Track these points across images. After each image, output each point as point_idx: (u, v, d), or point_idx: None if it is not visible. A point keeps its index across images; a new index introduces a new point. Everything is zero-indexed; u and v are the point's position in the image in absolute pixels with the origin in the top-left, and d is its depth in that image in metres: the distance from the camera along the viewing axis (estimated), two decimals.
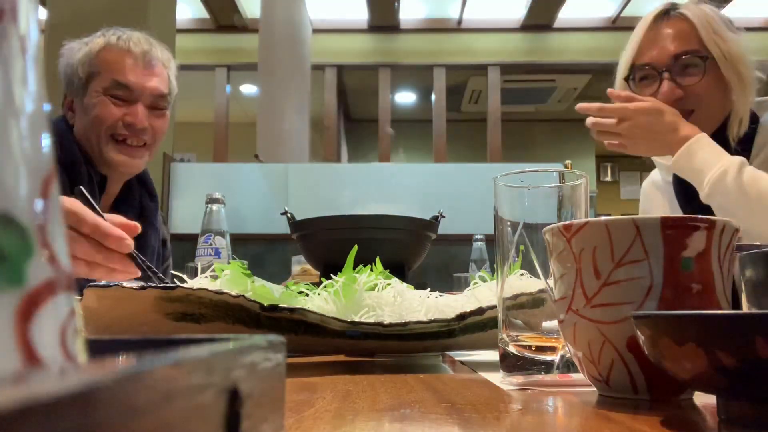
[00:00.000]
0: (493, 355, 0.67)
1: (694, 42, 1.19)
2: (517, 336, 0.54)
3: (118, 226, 0.94)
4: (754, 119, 1.21)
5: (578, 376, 0.49)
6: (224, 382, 0.18)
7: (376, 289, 0.70)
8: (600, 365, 0.43)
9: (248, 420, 0.19)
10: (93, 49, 1.34)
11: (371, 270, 0.72)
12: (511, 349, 0.54)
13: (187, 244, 1.53)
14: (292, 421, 0.35)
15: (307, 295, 0.71)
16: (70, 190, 1.00)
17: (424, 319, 0.65)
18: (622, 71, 1.28)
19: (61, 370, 0.14)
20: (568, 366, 0.52)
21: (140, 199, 1.43)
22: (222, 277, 0.70)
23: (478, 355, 0.79)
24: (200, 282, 0.70)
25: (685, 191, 1.24)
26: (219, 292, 0.60)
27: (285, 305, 0.61)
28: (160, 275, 0.97)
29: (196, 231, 1.31)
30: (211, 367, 0.17)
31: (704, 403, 0.42)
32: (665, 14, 1.22)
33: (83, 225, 0.89)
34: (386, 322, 0.64)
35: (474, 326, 0.66)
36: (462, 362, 0.73)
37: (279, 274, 2.17)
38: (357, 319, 0.65)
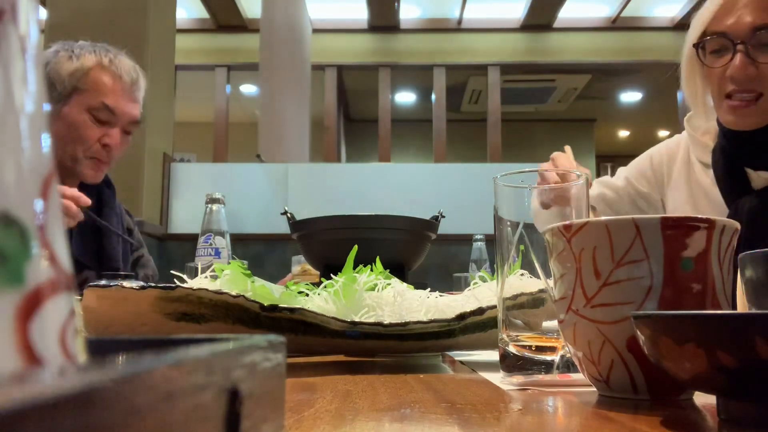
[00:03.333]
0: (493, 355, 0.67)
1: None
2: (517, 336, 0.54)
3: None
4: None
5: (578, 376, 0.49)
6: (224, 382, 0.18)
7: (376, 289, 0.70)
8: (600, 365, 0.43)
9: (248, 420, 0.19)
10: (85, 65, 1.40)
11: (371, 270, 0.72)
12: (511, 349, 0.54)
13: (187, 244, 1.53)
14: (292, 421, 0.35)
15: (307, 295, 0.71)
16: None
17: (424, 319, 0.65)
18: (692, 36, 1.13)
19: (61, 370, 0.14)
20: (568, 366, 0.52)
21: (98, 189, 1.52)
22: (222, 277, 0.70)
23: (478, 355, 0.79)
24: (200, 282, 0.70)
25: (733, 187, 1.12)
26: (219, 292, 0.60)
27: (285, 305, 0.61)
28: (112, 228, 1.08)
29: (196, 231, 1.31)
30: (211, 367, 0.17)
31: (704, 403, 0.42)
32: None
33: None
34: (386, 322, 0.64)
35: (474, 326, 0.66)
36: (462, 362, 0.73)
37: (279, 274, 2.17)
38: (357, 319, 0.65)
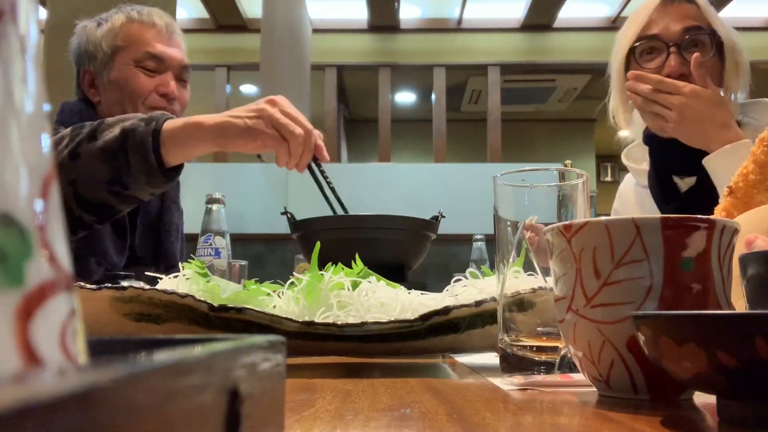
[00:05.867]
0: (493, 356, 0.67)
1: (702, 22, 1.19)
2: (517, 337, 0.54)
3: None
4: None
5: (578, 376, 0.49)
6: (224, 382, 0.18)
7: (356, 289, 0.66)
8: (600, 365, 0.43)
9: (248, 420, 0.19)
10: (116, 24, 1.37)
11: (350, 268, 0.69)
12: (512, 349, 0.54)
13: (187, 244, 1.53)
14: (292, 421, 0.35)
15: (269, 294, 0.69)
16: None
17: (385, 319, 0.61)
18: (626, 43, 1.25)
19: (61, 370, 0.14)
20: (569, 366, 0.52)
21: None
22: (181, 276, 0.70)
23: (478, 356, 0.79)
24: (168, 282, 0.69)
25: (664, 192, 1.24)
26: (168, 292, 0.60)
27: (233, 305, 0.60)
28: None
29: (196, 231, 1.31)
30: (211, 367, 0.17)
31: (704, 403, 0.42)
32: None
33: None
34: (346, 322, 0.60)
35: (443, 327, 0.61)
36: (462, 363, 0.73)
37: (279, 274, 2.18)
38: (316, 319, 0.62)
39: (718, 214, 0.62)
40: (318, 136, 1.08)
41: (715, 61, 1.18)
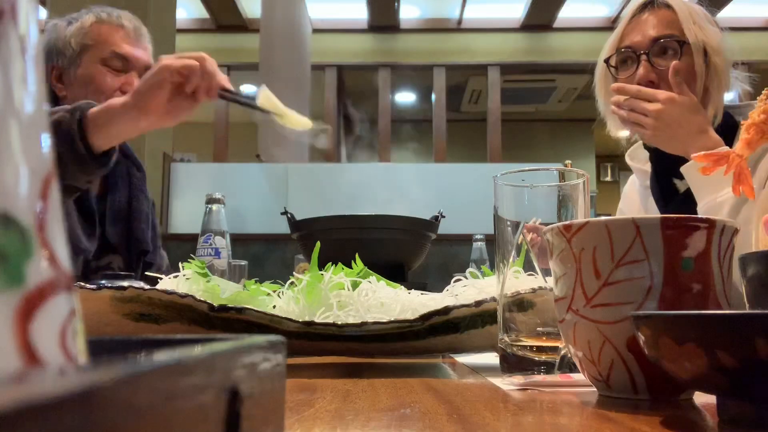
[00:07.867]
0: (493, 356, 0.67)
1: (675, 29, 1.21)
2: (517, 337, 0.54)
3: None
4: (732, 122, 1.21)
5: (578, 376, 0.49)
6: (224, 382, 0.18)
7: (356, 289, 0.66)
8: (600, 365, 0.43)
9: (248, 420, 0.19)
10: (85, 23, 1.43)
11: (350, 268, 0.69)
12: (512, 349, 0.54)
13: (187, 244, 1.53)
14: (292, 421, 0.35)
15: (269, 294, 0.69)
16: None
17: (385, 319, 0.61)
18: (603, 54, 1.30)
19: (61, 370, 0.14)
20: (570, 366, 0.52)
21: (128, 171, 1.53)
22: (181, 276, 0.70)
23: (478, 356, 0.79)
24: (167, 282, 0.69)
25: (663, 193, 1.26)
26: (168, 292, 0.60)
27: (233, 305, 0.60)
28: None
29: (196, 231, 1.31)
30: (211, 367, 0.17)
31: (704, 403, 0.42)
32: (651, 2, 1.25)
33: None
34: (346, 322, 0.60)
35: (443, 327, 0.61)
36: (462, 363, 0.73)
37: (279, 274, 2.17)
38: (316, 319, 0.62)
39: (745, 132, 0.61)
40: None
41: (689, 67, 1.19)
